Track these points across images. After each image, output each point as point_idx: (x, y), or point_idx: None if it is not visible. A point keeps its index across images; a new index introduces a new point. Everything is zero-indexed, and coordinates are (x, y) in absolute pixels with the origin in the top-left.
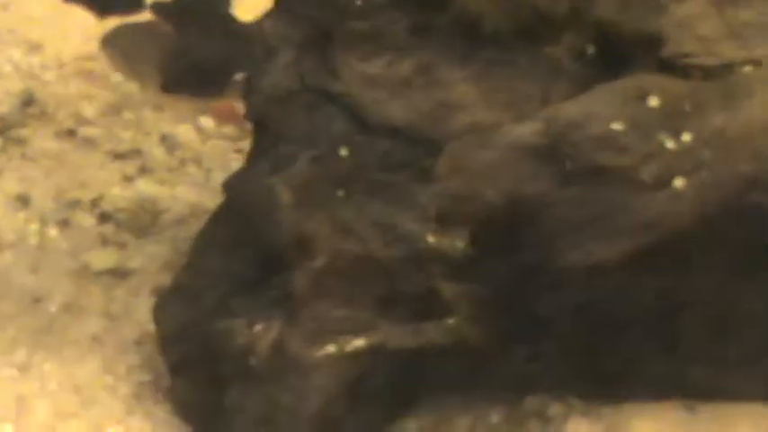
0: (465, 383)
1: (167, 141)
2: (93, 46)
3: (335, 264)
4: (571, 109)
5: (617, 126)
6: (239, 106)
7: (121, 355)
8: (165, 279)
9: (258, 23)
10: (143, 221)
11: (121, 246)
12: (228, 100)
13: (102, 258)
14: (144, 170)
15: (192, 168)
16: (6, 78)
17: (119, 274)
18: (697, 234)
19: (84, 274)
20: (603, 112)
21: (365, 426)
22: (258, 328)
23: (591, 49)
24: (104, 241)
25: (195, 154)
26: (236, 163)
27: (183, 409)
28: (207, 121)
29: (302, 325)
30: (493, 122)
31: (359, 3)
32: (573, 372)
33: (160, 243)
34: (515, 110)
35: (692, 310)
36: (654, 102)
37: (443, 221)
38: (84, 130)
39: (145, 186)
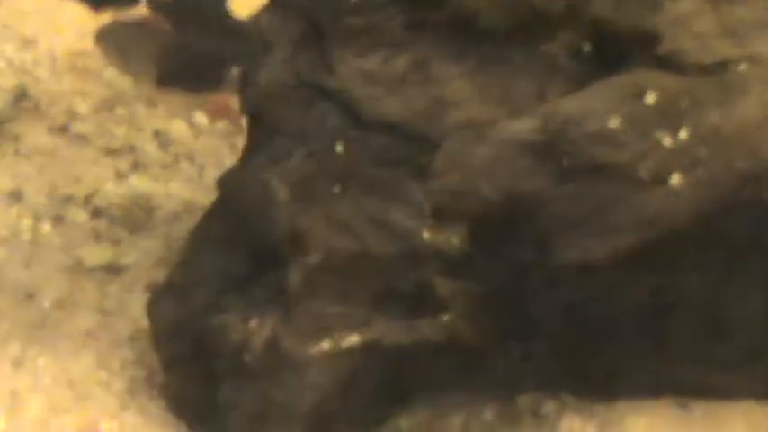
0: (459, 381)
1: (160, 137)
2: (87, 42)
3: (330, 260)
4: (568, 105)
5: (614, 123)
6: (234, 101)
7: (115, 351)
8: (159, 275)
9: (254, 19)
10: (136, 217)
11: (115, 242)
12: (223, 95)
13: (96, 254)
14: (137, 166)
15: (185, 164)
16: None
17: (112, 269)
18: (693, 231)
19: (78, 269)
20: (600, 108)
21: (358, 422)
22: (252, 324)
23: (587, 47)
24: (98, 237)
25: (188, 150)
26: (230, 159)
27: (177, 404)
28: (200, 117)
29: (297, 321)
30: (488, 119)
31: None
32: (566, 369)
33: (154, 239)
34: (511, 107)
35: (686, 308)
36: (651, 99)
37: (439, 218)
38: (78, 126)
39: (138, 182)
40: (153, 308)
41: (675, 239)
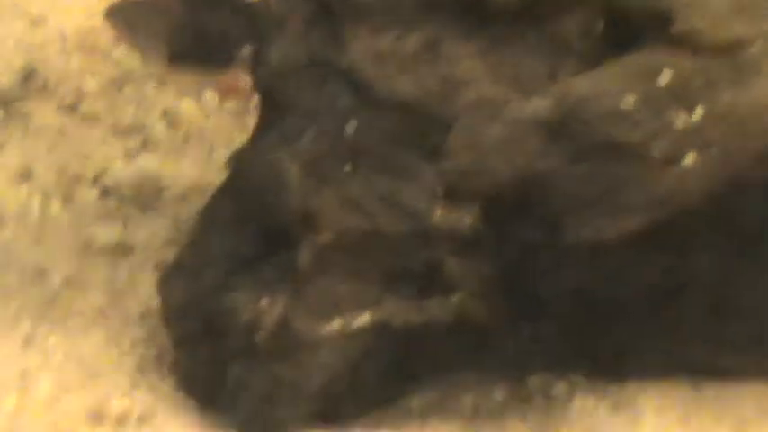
0: (469, 361)
1: (169, 117)
2: (96, 20)
3: (341, 239)
4: (582, 85)
5: (627, 102)
6: (244, 80)
7: (126, 330)
8: (169, 254)
9: None
10: (146, 197)
11: (124, 221)
12: (233, 74)
13: (106, 233)
14: (146, 145)
15: (194, 144)
16: (8, 52)
17: (122, 248)
18: (705, 211)
19: (88, 248)
20: (614, 88)
21: (368, 402)
22: (263, 303)
23: (599, 27)
24: (107, 216)
25: (198, 129)
26: (239, 139)
27: (187, 383)
28: (210, 97)
29: (307, 301)
30: (500, 99)
31: None
32: (577, 350)
33: (163, 218)
34: (522, 87)
35: (697, 288)
36: (665, 78)
37: (451, 197)
38: (87, 105)
39: (147, 162)
40: (163, 287)
41: (688, 219)
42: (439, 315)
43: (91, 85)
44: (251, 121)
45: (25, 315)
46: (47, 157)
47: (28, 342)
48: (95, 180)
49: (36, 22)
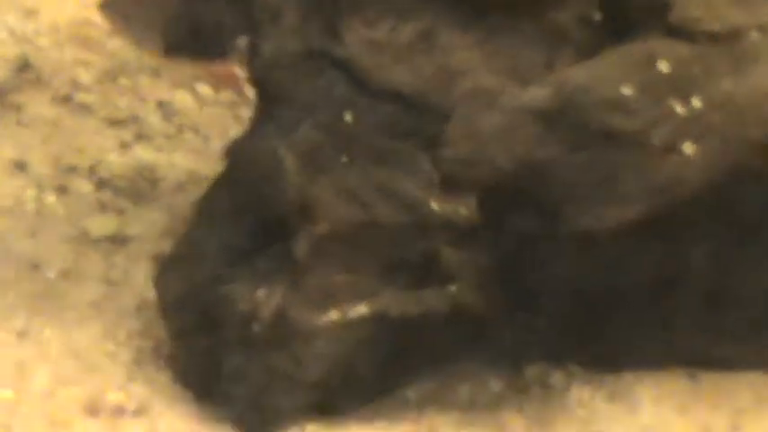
0: (466, 351)
1: (164, 108)
2: (90, 11)
3: (338, 229)
4: (580, 73)
5: (626, 90)
6: (239, 71)
7: (122, 322)
8: (164, 246)
9: None
10: (141, 188)
11: (120, 212)
12: (228, 65)
13: (101, 225)
14: (141, 137)
15: (189, 135)
16: (1, 44)
17: (117, 240)
18: (704, 200)
19: (83, 240)
20: (613, 76)
21: (365, 393)
22: (260, 294)
23: (597, 16)
24: (102, 207)
25: (193, 121)
26: (235, 130)
27: (184, 375)
28: (204, 88)
29: (304, 291)
30: (497, 88)
31: None
32: (574, 340)
33: (158, 210)
34: (519, 76)
35: (695, 278)
36: (663, 66)
37: (450, 187)
38: (81, 97)
39: (142, 153)
40: (160, 279)
41: (686, 208)
42: (436, 306)
43: (85, 76)
44: (246, 112)
45: (20, 307)
46: (41, 148)
47: (23, 335)
48: (90, 172)
49: (29, 13)
